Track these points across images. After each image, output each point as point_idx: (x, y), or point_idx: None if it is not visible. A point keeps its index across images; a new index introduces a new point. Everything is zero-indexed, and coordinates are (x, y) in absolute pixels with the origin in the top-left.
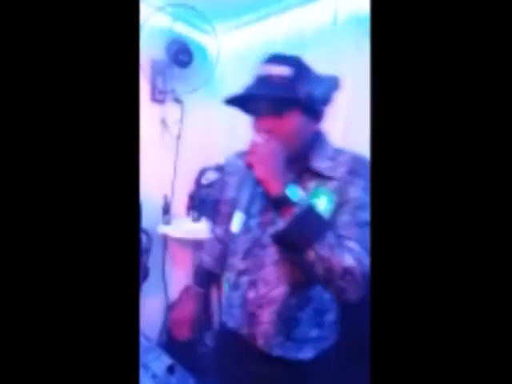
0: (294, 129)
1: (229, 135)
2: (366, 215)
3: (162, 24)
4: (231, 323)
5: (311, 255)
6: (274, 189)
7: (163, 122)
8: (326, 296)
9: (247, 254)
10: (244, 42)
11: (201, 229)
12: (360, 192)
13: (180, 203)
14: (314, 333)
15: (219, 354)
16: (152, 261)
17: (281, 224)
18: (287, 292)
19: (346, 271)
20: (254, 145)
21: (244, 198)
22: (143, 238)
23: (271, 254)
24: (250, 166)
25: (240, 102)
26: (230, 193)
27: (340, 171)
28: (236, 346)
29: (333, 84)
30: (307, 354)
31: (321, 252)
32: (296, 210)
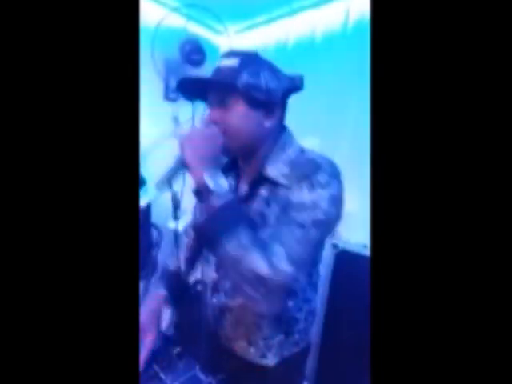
0: (240, 121)
1: None
2: (298, 216)
3: (176, 24)
4: (212, 326)
5: (222, 253)
6: (196, 175)
7: (175, 120)
8: (290, 303)
9: (218, 265)
10: (256, 43)
11: None
12: (300, 195)
13: (190, 199)
14: (278, 339)
15: (209, 352)
16: (161, 255)
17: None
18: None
19: (258, 280)
20: (192, 130)
21: (164, 173)
22: (154, 232)
23: None
24: (181, 149)
25: (198, 93)
26: None
27: (294, 177)
28: (216, 349)
29: (290, 82)
30: (270, 360)
31: (231, 251)
32: (213, 201)
